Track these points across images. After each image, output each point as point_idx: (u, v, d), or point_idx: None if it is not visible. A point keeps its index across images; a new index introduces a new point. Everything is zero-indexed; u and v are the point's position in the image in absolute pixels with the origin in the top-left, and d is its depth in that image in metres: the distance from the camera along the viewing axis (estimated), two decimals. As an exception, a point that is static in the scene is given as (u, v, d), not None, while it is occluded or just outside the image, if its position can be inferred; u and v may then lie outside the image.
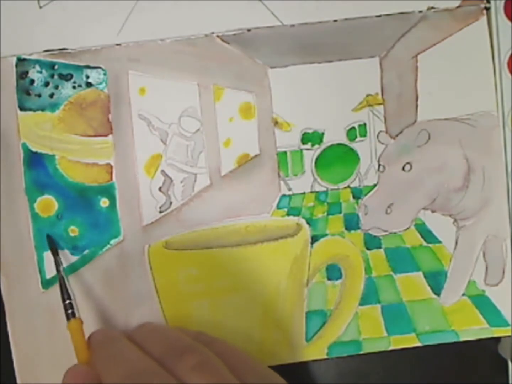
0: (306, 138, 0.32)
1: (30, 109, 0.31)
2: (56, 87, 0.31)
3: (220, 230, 0.31)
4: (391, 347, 0.32)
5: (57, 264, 0.29)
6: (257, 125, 0.32)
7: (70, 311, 0.27)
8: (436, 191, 0.32)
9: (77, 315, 0.27)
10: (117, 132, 0.31)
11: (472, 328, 0.32)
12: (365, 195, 0.32)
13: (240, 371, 0.25)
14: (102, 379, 0.25)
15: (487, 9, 0.31)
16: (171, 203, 0.31)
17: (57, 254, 0.30)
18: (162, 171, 0.31)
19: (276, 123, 0.32)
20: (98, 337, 0.27)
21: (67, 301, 0.27)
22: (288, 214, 0.32)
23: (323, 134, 0.32)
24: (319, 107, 0.32)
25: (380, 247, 0.32)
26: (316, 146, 0.32)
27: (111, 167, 0.31)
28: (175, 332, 0.28)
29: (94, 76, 0.31)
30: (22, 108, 0.30)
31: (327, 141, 0.32)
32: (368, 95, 0.32)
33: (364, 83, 0.32)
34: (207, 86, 0.31)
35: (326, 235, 0.32)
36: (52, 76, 0.31)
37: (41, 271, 0.31)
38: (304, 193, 0.32)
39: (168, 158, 0.31)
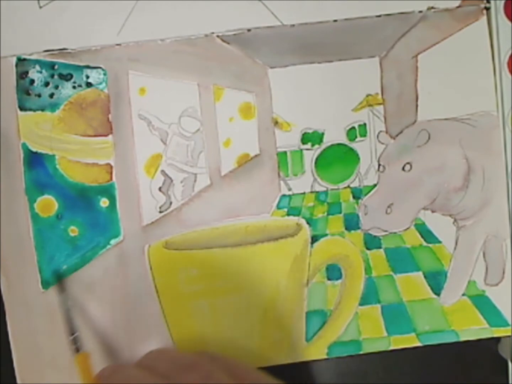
0: (306, 138, 0.32)
1: (30, 109, 0.31)
2: (56, 87, 0.31)
3: (220, 230, 0.31)
4: (391, 347, 0.32)
5: (64, 300, 0.29)
6: (257, 125, 0.32)
7: (76, 345, 0.27)
8: (436, 191, 0.32)
9: (83, 348, 0.27)
10: (117, 132, 0.31)
11: (472, 328, 0.32)
12: (365, 195, 0.32)
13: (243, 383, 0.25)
14: None
15: (487, 9, 0.31)
16: (171, 203, 0.31)
17: (63, 292, 0.30)
18: (162, 171, 0.31)
19: (276, 123, 0.32)
20: (106, 370, 0.27)
21: (73, 335, 0.28)
22: (288, 214, 0.32)
23: (323, 134, 0.32)
24: (319, 107, 0.32)
25: (380, 247, 0.32)
26: (316, 146, 0.32)
27: (111, 167, 0.31)
28: (179, 352, 0.28)
29: (94, 76, 0.31)
30: (22, 108, 0.30)
31: (327, 141, 0.32)
32: (368, 95, 0.32)
33: (364, 83, 0.32)
34: (207, 86, 0.31)
35: (326, 235, 0.32)
36: (52, 76, 0.31)
37: (41, 271, 0.31)
38: (304, 193, 0.32)
39: (168, 158, 0.31)
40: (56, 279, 0.30)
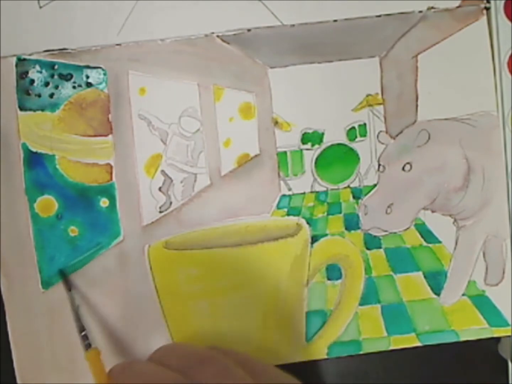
0: (306, 138, 0.32)
1: (30, 109, 0.31)
2: (56, 87, 0.31)
3: (220, 230, 0.31)
4: (391, 347, 0.32)
5: (71, 298, 0.30)
6: (257, 125, 0.32)
7: (86, 342, 0.28)
8: (436, 191, 0.32)
9: (93, 345, 0.28)
10: (117, 132, 0.31)
11: (472, 328, 0.32)
12: (365, 195, 0.32)
13: (260, 379, 0.25)
14: None
15: (487, 9, 0.31)
16: (171, 203, 0.31)
17: (70, 289, 0.30)
18: (162, 171, 0.31)
19: (276, 123, 0.32)
20: (118, 366, 0.27)
21: (83, 333, 0.28)
22: (288, 214, 0.32)
23: (323, 134, 0.32)
24: (319, 107, 0.32)
25: (380, 247, 0.32)
26: (316, 146, 0.32)
27: (111, 167, 0.31)
28: (191, 346, 0.28)
29: (94, 76, 0.31)
30: (22, 108, 0.30)
31: (327, 141, 0.32)
32: (368, 95, 0.32)
33: (364, 83, 0.32)
34: (207, 86, 0.31)
35: (326, 235, 0.32)
36: (52, 76, 0.31)
37: (41, 271, 0.31)
38: (304, 193, 0.32)
39: (168, 158, 0.31)
40: (61, 277, 0.30)
